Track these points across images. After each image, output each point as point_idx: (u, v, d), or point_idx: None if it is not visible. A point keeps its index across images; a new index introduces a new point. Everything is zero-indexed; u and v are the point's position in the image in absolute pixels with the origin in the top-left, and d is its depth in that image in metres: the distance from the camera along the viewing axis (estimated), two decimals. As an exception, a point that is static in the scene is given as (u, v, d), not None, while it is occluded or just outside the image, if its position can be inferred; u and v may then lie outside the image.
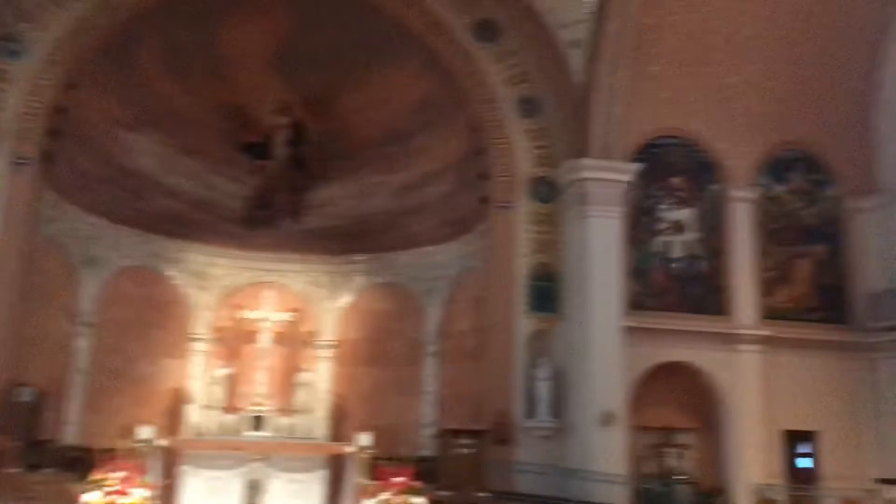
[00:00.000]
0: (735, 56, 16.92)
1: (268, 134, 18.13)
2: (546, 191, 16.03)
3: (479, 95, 16.18)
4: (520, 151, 16.11)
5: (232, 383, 17.34)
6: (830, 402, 16.71)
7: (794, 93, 17.26)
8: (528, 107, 16.09)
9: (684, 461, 16.73)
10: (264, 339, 17.58)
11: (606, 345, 14.99)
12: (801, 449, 16.79)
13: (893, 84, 17.26)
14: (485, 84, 16.05)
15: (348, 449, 15.25)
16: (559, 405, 15.16)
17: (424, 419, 17.58)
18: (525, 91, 16.08)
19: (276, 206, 18.20)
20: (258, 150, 18.17)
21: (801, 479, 16.43)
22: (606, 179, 15.56)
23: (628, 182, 15.85)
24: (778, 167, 17.77)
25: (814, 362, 16.76)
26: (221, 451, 15.01)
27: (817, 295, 17.41)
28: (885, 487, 15.75)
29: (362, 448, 14.75)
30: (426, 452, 16.55)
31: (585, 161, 15.51)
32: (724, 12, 16.54)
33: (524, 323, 15.62)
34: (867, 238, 17.43)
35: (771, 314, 17.00)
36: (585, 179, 15.48)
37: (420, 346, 18.21)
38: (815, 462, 16.67)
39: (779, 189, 17.75)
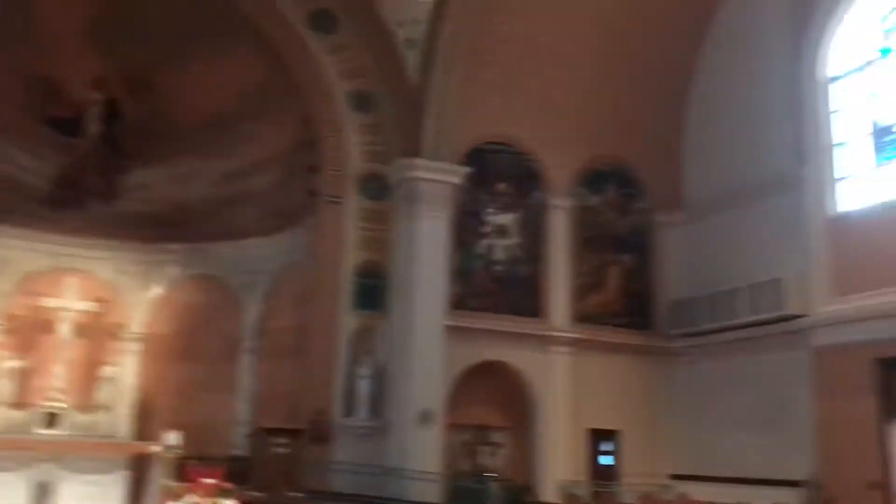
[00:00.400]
0: (561, 69, 17.62)
1: (79, 109, 16.87)
2: (376, 188, 15.93)
3: (313, 86, 15.81)
4: (352, 146, 15.90)
5: (24, 377, 15.96)
6: (632, 403, 17.74)
7: (612, 109, 18.22)
8: (363, 102, 15.91)
9: (497, 459, 17.19)
10: (64, 330, 16.39)
11: (428, 343, 15.12)
12: (604, 447, 17.71)
13: (700, 107, 18.64)
14: (319, 75, 15.71)
15: (153, 448, 14.49)
16: (379, 404, 15.10)
17: (239, 417, 17.09)
18: (360, 85, 15.88)
19: (84, 186, 16.93)
20: (67, 125, 16.86)
21: (603, 476, 17.35)
22: (436, 180, 15.68)
23: (457, 184, 16.07)
24: (594, 179, 18.66)
25: (618, 365, 17.74)
26: (6, 450, 13.83)
27: (624, 301, 18.43)
28: (676, 482, 17.00)
29: (168, 447, 14.10)
30: (239, 452, 16.05)
31: (417, 161, 15.56)
32: (552, 27, 17.17)
33: (348, 320, 15.45)
34: (671, 250, 18.66)
35: (582, 318, 17.82)
36: (416, 179, 15.54)
37: (236, 342, 17.76)
38: (616, 459, 17.63)
39: (594, 200, 18.63)
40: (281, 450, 14.83)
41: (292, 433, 15.00)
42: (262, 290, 17.80)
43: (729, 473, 15.69)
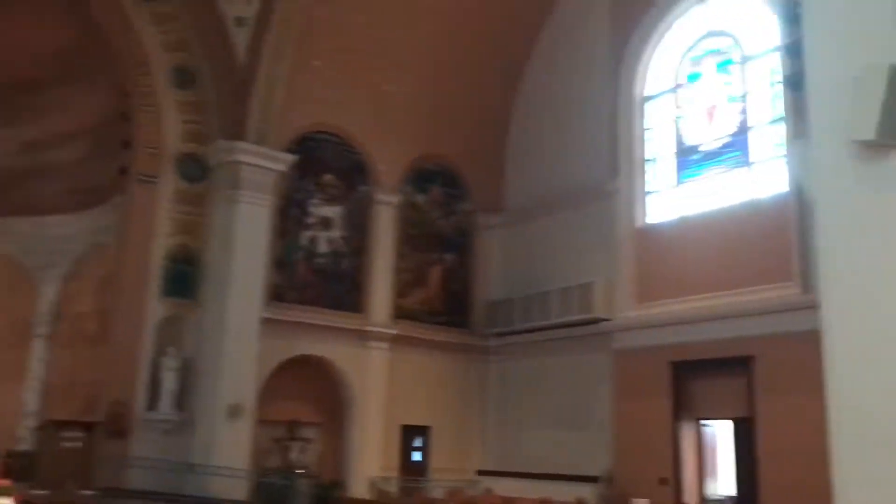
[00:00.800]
0: (394, 66, 17.59)
1: None
2: (194, 169, 15.15)
3: (130, 56, 14.80)
4: (169, 123, 15.05)
5: None
6: (445, 400, 18.01)
7: (442, 111, 18.42)
8: (184, 78, 15.09)
9: (307, 455, 16.85)
10: None
11: (242, 335, 14.60)
12: (416, 443, 17.84)
13: (524, 115, 19.22)
14: (138, 44, 14.71)
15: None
16: (185, 397, 14.40)
17: (26, 409, 15.75)
18: (182, 60, 15.04)
19: None
20: None
21: (414, 472, 17.47)
22: (260, 166, 15.16)
23: (281, 172, 15.62)
24: (421, 177, 18.77)
25: (435, 362, 17.95)
26: None
27: (444, 299, 18.65)
28: (484, 478, 17.41)
29: (-60, 441, 12.72)
30: (25, 447, 14.77)
31: (240, 144, 14.97)
32: (388, 22, 17.09)
33: (156, 308, 14.64)
34: (490, 252, 19.12)
35: (402, 314, 17.85)
36: (238, 163, 14.94)
37: (28, 327, 16.39)
38: (427, 455, 17.81)
39: (420, 198, 18.75)
40: (72, 444, 13.80)
41: (86, 426, 14.03)
42: (61, 271, 16.61)
43: (535, 469, 16.27)
